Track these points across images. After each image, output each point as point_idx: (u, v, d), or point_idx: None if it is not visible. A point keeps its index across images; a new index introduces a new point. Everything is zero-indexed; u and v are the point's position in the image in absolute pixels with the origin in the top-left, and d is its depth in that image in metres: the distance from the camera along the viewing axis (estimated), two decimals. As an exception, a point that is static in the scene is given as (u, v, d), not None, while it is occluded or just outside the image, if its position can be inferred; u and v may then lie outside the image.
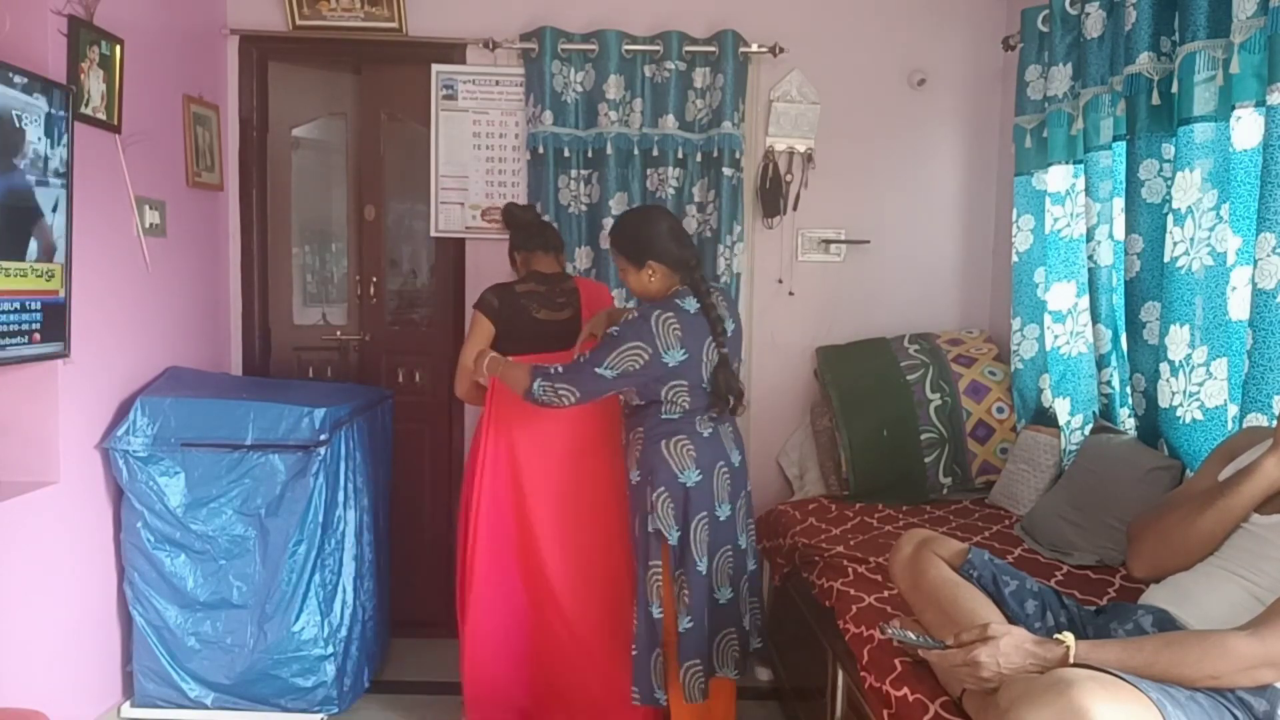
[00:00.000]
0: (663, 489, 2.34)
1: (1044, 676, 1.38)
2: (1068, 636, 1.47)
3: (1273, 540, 1.60)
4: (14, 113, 2.15)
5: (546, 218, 3.30)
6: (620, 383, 2.30)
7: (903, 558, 1.92)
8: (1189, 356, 2.30)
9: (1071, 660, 1.44)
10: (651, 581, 2.37)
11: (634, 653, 2.43)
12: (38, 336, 2.29)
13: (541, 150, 3.35)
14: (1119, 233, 2.63)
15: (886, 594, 2.23)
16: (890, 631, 1.69)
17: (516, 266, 2.84)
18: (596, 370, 2.26)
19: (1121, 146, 2.59)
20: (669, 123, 3.37)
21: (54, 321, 2.34)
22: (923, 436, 3.22)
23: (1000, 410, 3.25)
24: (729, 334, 2.40)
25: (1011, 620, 1.69)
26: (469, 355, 2.62)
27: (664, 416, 2.36)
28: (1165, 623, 1.62)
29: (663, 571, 2.37)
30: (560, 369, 2.31)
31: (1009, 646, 1.48)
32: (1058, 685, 1.31)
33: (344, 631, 2.83)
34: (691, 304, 2.33)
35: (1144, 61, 2.41)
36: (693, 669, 2.37)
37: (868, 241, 3.57)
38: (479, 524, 2.60)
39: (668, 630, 2.40)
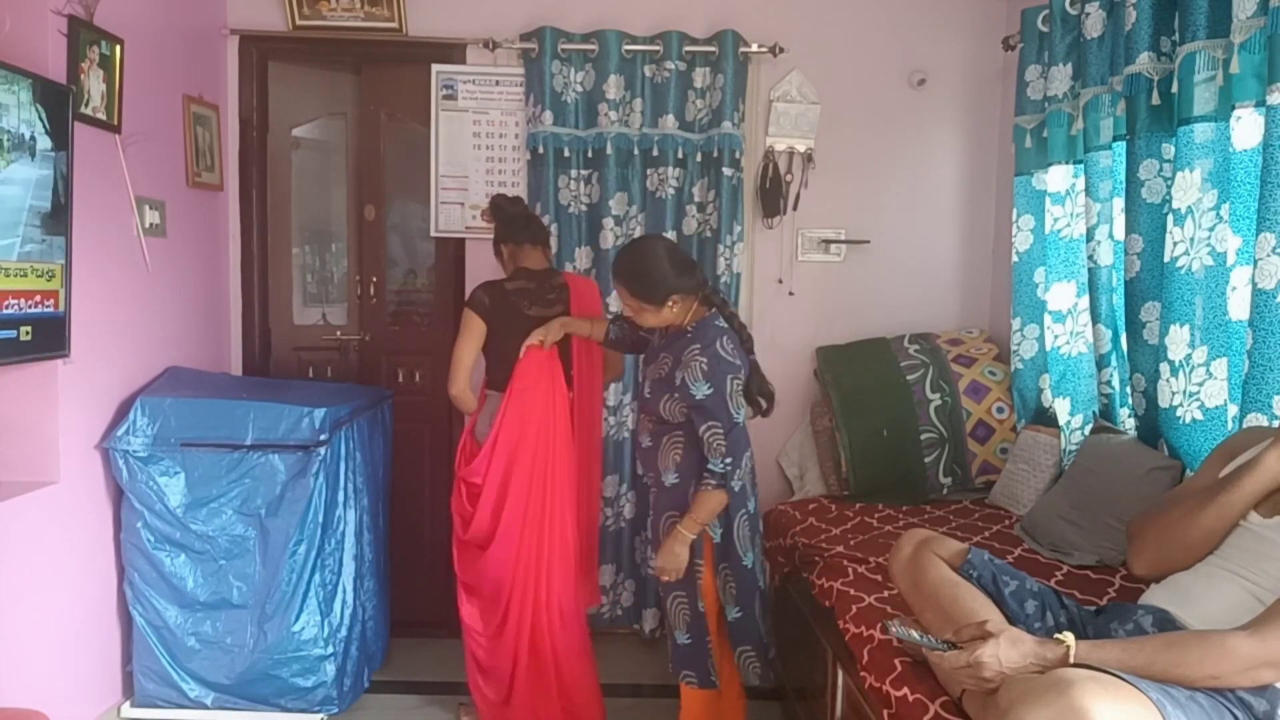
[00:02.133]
0: None
1: (1044, 676, 1.38)
2: (1068, 636, 1.47)
3: (1273, 540, 1.60)
4: None
5: (546, 218, 3.30)
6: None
7: (903, 558, 1.92)
8: (1189, 356, 2.30)
9: (1072, 660, 1.44)
10: (695, 577, 2.41)
11: (687, 640, 2.45)
12: (37, 336, 2.28)
13: (541, 150, 3.35)
14: (1119, 233, 2.63)
15: (886, 594, 2.23)
16: (894, 629, 1.69)
17: (503, 260, 2.83)
18: (736, 423, 2.28)
19: (1121, 146, 2.59)
20: (669, 123, 3.37)
21: (54, 321, 2.34)
22: (923, 436, 3.22)
23: (1000, 410, 3.25)
24: None
25: (1011, 620, 1.69)
26: (464, 353, 2.63)
27: None
28: (1165, 623, 1.62)
29: (705, 567, 2.42)
30: (724, 454, 2.27)
31: (1009, 645, 1.48)
32: (1058, 685, 1.32)
33: (344, 631, 2.83)
34: (722, 322, 2.37)
35: (1144, 61, 2.41)
36: (746, 654, 2.47)
37: (868, 241, 3.57)
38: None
39: (711, 619, 2.45)
